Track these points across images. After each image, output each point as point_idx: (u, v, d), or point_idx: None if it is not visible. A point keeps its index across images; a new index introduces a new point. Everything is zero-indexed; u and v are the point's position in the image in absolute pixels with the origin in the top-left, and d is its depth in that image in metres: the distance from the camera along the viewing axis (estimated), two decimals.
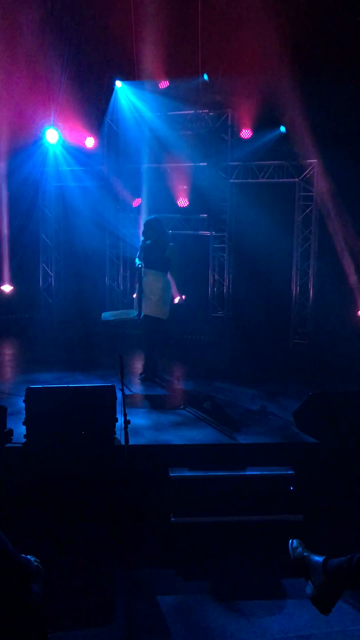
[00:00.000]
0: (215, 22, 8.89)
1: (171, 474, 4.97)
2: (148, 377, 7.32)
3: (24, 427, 5.12)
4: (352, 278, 8.78)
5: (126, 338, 8.95)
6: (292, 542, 3.36)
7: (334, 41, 8.28)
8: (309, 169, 8.99)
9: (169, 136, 9.55)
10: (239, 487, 4.98)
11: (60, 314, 10.63)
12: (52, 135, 9.97)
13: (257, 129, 9.17)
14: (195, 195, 9.59)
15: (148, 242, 7.14)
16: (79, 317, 9.96)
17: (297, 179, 9.11)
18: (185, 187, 9.67)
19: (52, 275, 10.74)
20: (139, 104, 9.69)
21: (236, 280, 9.78)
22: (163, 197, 9.71)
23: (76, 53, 9.63)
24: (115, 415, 5.18)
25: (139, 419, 5.95)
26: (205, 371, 7.95)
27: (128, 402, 5.36)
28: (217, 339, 9.47)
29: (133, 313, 7.39)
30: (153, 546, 4.66)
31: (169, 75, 9.39)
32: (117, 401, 5.16)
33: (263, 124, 9.06)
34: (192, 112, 9.47)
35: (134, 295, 7.55)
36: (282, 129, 8.93)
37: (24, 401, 5.13)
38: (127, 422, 4.86)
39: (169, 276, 7.21)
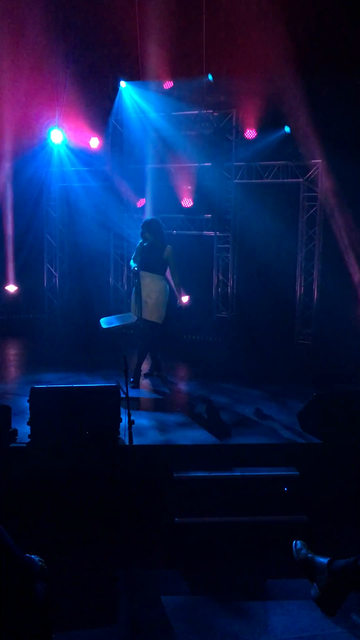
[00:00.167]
0: (219, 22, 8.89)
1: (175, 475, 4.96)
2: (137, 384, 7.04)
3: (28, 427, 5.13)
4: (357, 278, 8.76)
5: (130, 337, 8.95)
6: (296, 543, 3.36)
7: (339, 41, 8.25)
8: (314, 169, 8.97)
9: (173, 136, 9.55)
10: (242, 488, 4.97)
11: (65, 314, 10.65)
12: (56, 136, 10.00)
13: (261, 129, 9.15)
14: (200, 195, 9.58)
15: (145, 244, 6.98)
16: (83, 317, 9.95)
17: (301, 179, 9.09)
18: (189, 187, 9.66)
19: (57, 275, 10.75)
20: (143, 105, 9.69)
21: (240, 280, 9.76)
22: (167, 197, 9.72)
23: (81, 53, 9.65)
24: (119, 415, 5.19)
25: (143, 419, 5.95)
26: (209, 371, 7.94)
27: (132, 402, 5.38)
28: (222, 339, 9.47)
29: (131, 317, 7.18)
30: (157, 546, 4.66)
31: (174, 75, 9.39)
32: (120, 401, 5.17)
33: (267, 124, 9.05)
34: (197, 112, 9.47)
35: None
36: (287, 129, 8.91)
37: (28, 401, 5.14)
38: (131, 422, 4.89)
39: (166, 279, 7.10)
